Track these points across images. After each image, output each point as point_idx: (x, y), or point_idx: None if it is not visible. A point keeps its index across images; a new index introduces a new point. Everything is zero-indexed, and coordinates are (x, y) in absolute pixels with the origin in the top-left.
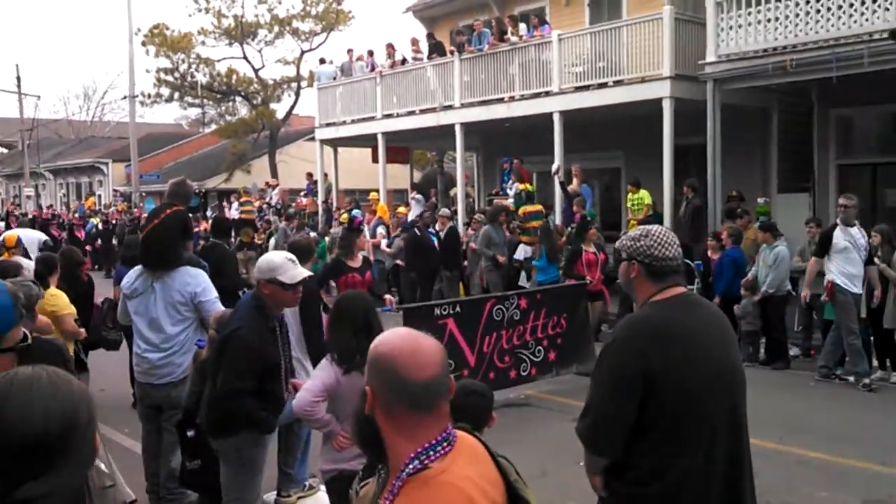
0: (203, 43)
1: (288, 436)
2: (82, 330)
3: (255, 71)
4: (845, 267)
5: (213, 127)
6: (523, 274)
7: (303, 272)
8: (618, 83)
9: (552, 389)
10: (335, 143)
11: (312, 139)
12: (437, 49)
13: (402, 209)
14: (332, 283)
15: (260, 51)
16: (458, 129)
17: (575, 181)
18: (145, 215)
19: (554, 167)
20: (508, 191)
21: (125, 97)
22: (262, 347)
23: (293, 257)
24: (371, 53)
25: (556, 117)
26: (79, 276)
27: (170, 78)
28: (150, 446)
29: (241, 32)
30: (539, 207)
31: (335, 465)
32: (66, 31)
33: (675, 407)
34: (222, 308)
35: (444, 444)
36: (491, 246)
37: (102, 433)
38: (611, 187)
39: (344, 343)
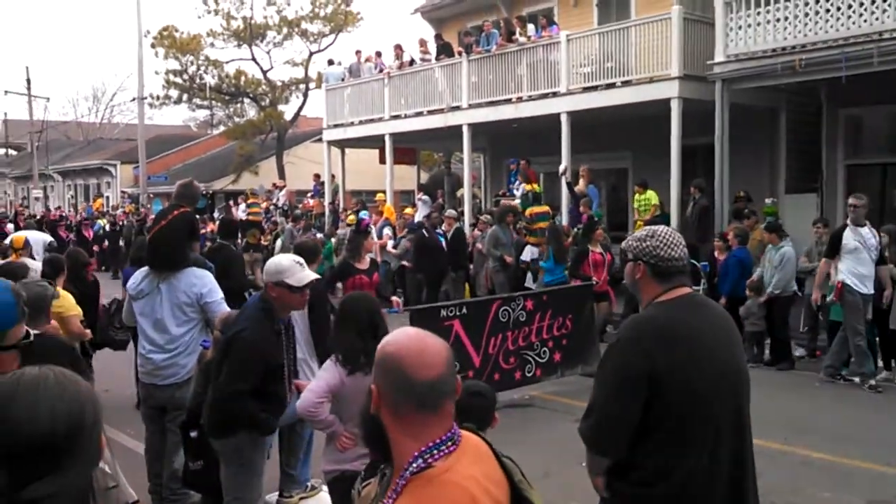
0: (212, 45)
1: (290, 436)
2: (88, 331)
3: (264, 72)
4: (855, 267)
5: (222, 128)
6: (529, 275)
7: (310, 275)
8: (626, 83)
9: (556, 390)
10: (343, 145)
11: (320, 140)
12: (444, 50)
13: (408, 210)
14: (339, 285)
15: (268, 52)
16: (465, 129)
17: (582, 182)
18: (152, 217)
19: (561, 168)
20: (515, 191)
21: (134, 99)
22: (266, 349)
23: (301, 260)
24: (379, 54)
25: (563, 118)
26: (84, 278)
27: (178, 80)
28: (153, 447)
29: (250, 34)
30: (546, 209)
31: (338, 466)
32: (76, 34)
33: (681, 408)
34: (228, 309)
35: (449, 443)
36: (499, 246)
37: (106, 434)
38: (618, 188)
39: (349, 344)
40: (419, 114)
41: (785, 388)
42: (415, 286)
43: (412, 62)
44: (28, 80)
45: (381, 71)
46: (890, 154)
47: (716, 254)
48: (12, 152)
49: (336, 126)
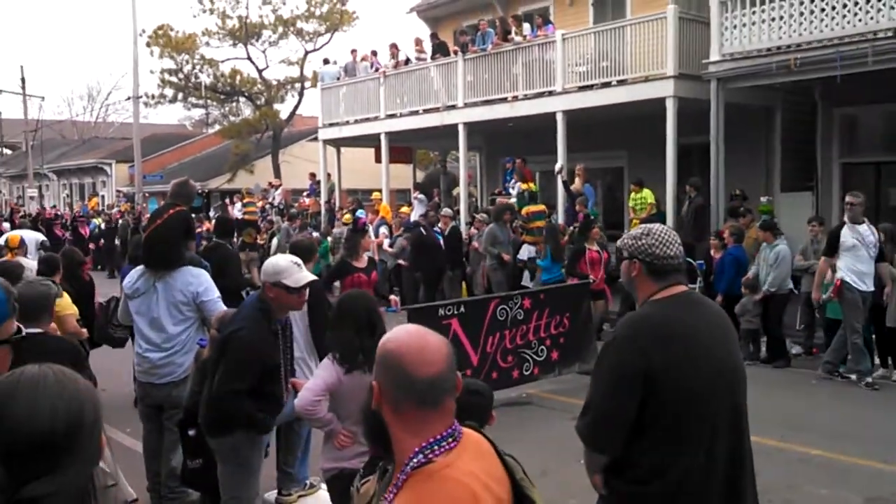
0: (207, 44)
1: (288, 435)
2: (84, 330)
3: (259, 71)
4: (854, 265)
5: (217, 127)
6: (526, 273)
7: (308, 276)
8: (621, 83)
9: (554, 388)
10: (338, 144)
11: (316, 139)
12: (440, 49)
13: (404, 209)
14: (336, 284)
15: (264, 51)
16: (461, 128)
17: (578, 181)
18: (148, 216)
19: (557, 167)
20: (511, 190)
21: (129, 98)
22: (262, 349)
23: (299, 261)
24: (375, 53)
25: (559, 117)
26: (80, 276)
27: (174, 79)
28: (150, 445)
29: (246, 33)
30: (542, 207)
31: (336, 464)
32: (71, 33)
33: (677, 405)
34: (224, 308)
35: (450, 439)
36: (496, 244)
37: (105, 433)
38: (613, 187)
39: (346, 342)
40: (415, 113)
41: (782, 386)
42: (411, 285)
43: (408, 61)
44: (23, 79)
45: (376, 70)
46: (884, 153)
47: (711, 252)
48: (7, 151)
49: (332, 125)
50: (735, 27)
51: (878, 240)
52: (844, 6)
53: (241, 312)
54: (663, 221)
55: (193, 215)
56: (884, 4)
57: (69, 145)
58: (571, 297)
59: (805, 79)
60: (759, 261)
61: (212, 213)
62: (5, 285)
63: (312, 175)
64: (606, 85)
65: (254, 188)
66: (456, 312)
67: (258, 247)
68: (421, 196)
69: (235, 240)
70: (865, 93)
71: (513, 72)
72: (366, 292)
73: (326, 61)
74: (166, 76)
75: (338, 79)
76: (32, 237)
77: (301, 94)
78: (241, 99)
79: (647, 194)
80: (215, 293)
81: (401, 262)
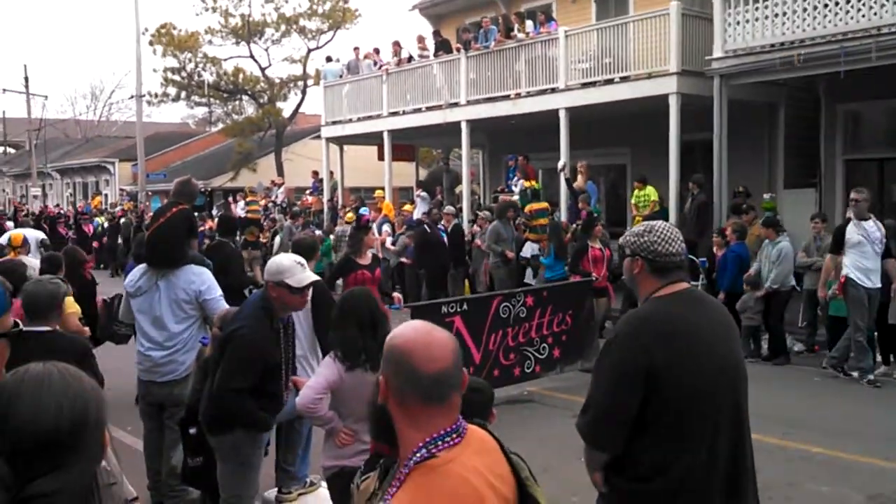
0: (210, 42)
1: (289, 433)
2: (87, 329)
3: (262, 69)
4: (860, 261)
5: (220, 126)
6: (529, 271)
7: (310, 276)
8: (624, 79)
9: (556, 386)
10: (341, 141)
11: (318, 137)
12: (443, 46)
13: (407, 207)
14: (339, 282)
15: (267, 49)
16: (463, 126)
17: (580, 178)
18: (151, 214)
19: (560, 164)
20: (514, 188)
21: (132, 97)
22: (264, 347)
23: (302, 261)
24: (377, 51)
25: (562, 114)
26: (82, 275)
27: (177, 77)
28: (151, 444)
29: (248, 31)
30: (545, 205)
31: (337, 462)
32: (74, 32)
33: (679, 403)
34: (226, 306)
35: (454, 435)
36: (500, 242)
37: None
38: (616, 184)
39: (349, 340)
40: (417, 110)
41: (783, 383)
42: (414, 282)
43: (410, 59)
44: (26, 78)
45: (379, 67)
46: (888, 149)
47: (714, 249)
48: (10, 150)
49: (334, 123)
50: (738, 23)
51: (885, 235)
52: (848, 2)
53: (244, 311)
54: (666, 218)
55: (196, 214)
56: (887, 0)
57: (72, 144)
58: (574, 295)
59: (808, 75)
60: (761, 258)
61: (215, 212)
62: (2, 280)
63: (315, 173)
64: (609, 82)
65: (257, 186)
66: (459, 310)
67: (261, 245)
68: (424, 194)
69: (238, 238)
70: (869, 89)
71: (515, 69)
72: (368, 290)
73: (329, 59)
74: (169, 75)
75: (340, 76)
76: (33, 235)
77: (304, 92)
78: (244, 97)
79: (651, 191)
80: (218, 291)
81: (403, 259)
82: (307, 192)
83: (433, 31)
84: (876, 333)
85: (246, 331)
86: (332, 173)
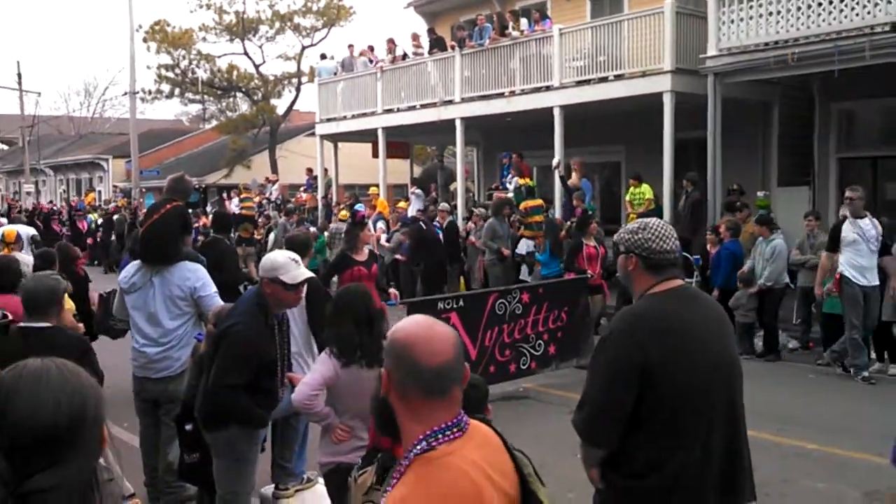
0: (204, 39)
1: (285, 429)
2: (81, 325)
3: (256, 67)
4: (855, 259)
5: (214, 123)
6: (524, 268)
7: (304, 273)
8: (618, 77)
9: (551, 383)
10: (335, 139)
11: (313, 134)
12: (437, 44)
13: (402, 204)
14: (334, 279)
15: (261, 47)
16: (458, 123)
17: (574, 175)
18: (144, 211)
19: (554, 161)
20: (508, 185)
21: (126, 93)
22: (259, 343)
23: (297, 258)
24: (372, 49)
25: (556, 112)
26: (75, 272)
27: (170, 74)
28: (147, 440)
29: (242, 28)
30: (540, 202)
31: (333, 458)
32: (67, 28)
33: (673, 400)
34: (221, 303)
35: (455, 429)
36: (496, 239)
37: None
38: (611, 181)
39: (345, 337)
40: (412, 108)
41: (777, 380)
42: (409, 279)
43: (405, 56)
44: (19, 75)
45: (374, 65)
46: (881, 147)
47: (708, 247)
48: (3, 147)
49: (329, 120)
50: (732, 22)
51: (880, 234)
52: (842, 0)
53: (238, 307)
54: (660, 216)
55: (190, 210)
56: None
57: (66, 141)
58: (569, 292)
59: (802, 73)
60: (755, 255)
61: (209, 209)
62: None
63: (309, 170)
64: (603, 80)
65: (251, 183)
66: (455, 306)
67: (255, 242)
68: (418, 191)
69: (233, 235)
70: (863, 87)
71: (510, 67)
72: (364, 287)
73: (323, 56)
74: (163, 71)
75: (335, 74)
76: (25, 232)
77: (298, 90)
78: (238, 94)
79: (646, 189)
80: (213, 288)
81: (398, 256)
82: (301, 189)
83: (428, 29)
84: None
85: (240, 327)
86: (326, 170)
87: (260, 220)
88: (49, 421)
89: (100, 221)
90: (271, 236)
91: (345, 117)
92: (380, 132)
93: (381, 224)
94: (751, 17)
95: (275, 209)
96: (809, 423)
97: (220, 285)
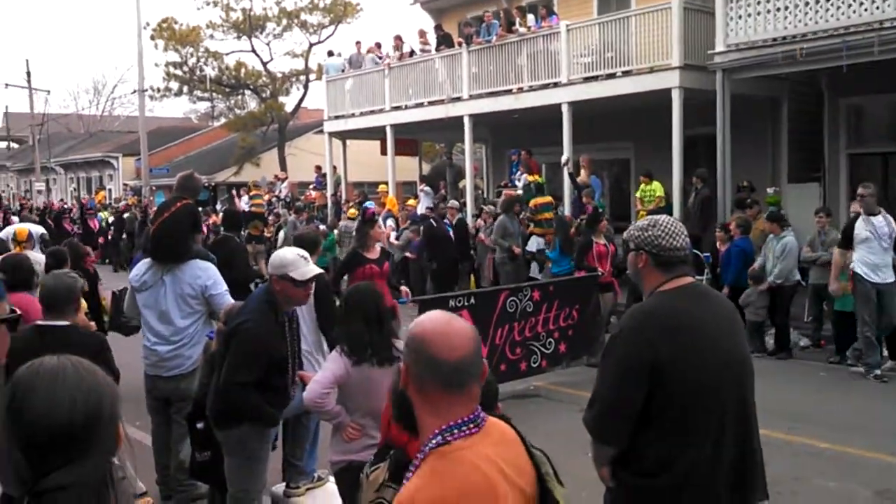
0: (211, 36)
1: (296, 427)
2: (92, 323)
3: (264, 64)
4: (867, 256)
5: (223, 120)
6: (535, 265)
7: (314, 269)
8: (626, 73)
9: (562, 381)
10: (344, 136)
11: (321, 132)
12: (445, 41)
13: (411, 201)
14: (345, 277)
15: (268, 44)
16: (466, 120)
17: (584, 172)
18: (154, 209)
19: (563, 158)
20: (517, 182)
21: (135, 91)
22: (269, 341)
23: (306, 254)
24: (379, 46)
25: (564, 108)
26: (84, 269)
27: (179, 72)
28: (159, 438)
29: (250, 26)
30: (549, 199)
31: (344, 457)
32: (76, 26)
33: (684, 397)
34: (232, 301)
35: (471, 424)
36: (506, 236)
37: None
38: (620, 178)
39: (355, 335)
40: (420, 105)
41: (789, 378)
42: (419, 277)
43: (412, 53)
44: (28, 73)
45: (382, 61)
46: (891, 143)
47: (717, 244)
48: (14, 145)
49: (337, 117)
50: (740, 17)
51: (893, 231)
52: None
53: (248, 305)
54: (670, 213)
55: (200, 208)
56: None
57: (76, 139)
58: (580, 290)
59: (811, 69)
60: (765, 252)
61: (218, 206)
62: None
63: (318, 168)
64: (611, 76)
65: (260, 181)
66: (466, 304)
67: (265, 239)
68: (427, 188)
69: (243, 232)
70: (872, 83)
71: (517, 63)
72: (374, 285)
73: (331, 53)
74: (171, 69)
75: (342, 71)
76: (34, 230)
77: (306, 87)
78: (247, 92)
79: (657, 187)
80: (223, 286)
81: (408, 254)
82: (310, 186)
83: (435, 26)
84: None
85: (250, 325)
86: (335, 168)
87: (270, 217)
88: (65, 419)
89: (110, 220)
90: (281, 234)
91: (353, 115)
92: (388, 129)
93: (390, 222)
94: (759, 13)
95: (284, 207)
96: (821, 422)
97: (231, 283)
